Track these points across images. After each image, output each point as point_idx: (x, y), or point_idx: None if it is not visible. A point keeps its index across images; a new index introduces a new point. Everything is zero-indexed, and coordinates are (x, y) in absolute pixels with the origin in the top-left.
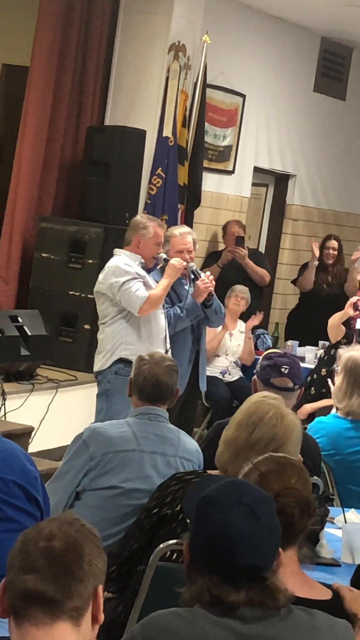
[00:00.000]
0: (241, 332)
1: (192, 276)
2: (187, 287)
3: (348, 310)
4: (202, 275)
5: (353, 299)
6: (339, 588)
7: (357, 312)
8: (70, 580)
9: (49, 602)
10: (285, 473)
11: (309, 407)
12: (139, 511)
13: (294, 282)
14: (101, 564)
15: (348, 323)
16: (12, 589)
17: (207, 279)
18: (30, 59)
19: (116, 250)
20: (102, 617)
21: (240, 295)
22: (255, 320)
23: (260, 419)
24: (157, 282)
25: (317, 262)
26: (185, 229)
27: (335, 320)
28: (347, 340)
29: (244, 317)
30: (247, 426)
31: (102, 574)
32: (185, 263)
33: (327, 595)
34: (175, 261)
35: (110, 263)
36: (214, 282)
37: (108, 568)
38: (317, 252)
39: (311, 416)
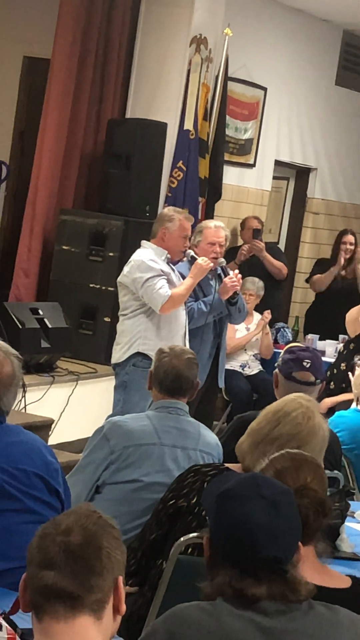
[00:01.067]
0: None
1: (220, 272)
2: (212, 283)
3: None
4: (230, 272)
5: None
6: None
7: None
8: (90, 574)
9: (69, 598)
10: (301, 471)
11: (328, 402)
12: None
13: (307, 280)
14: (120, 555)
15: None
16: (31, 585)
17: (235, 277)
18: (52, 52)
19: (143, 243)
20: (124, 607)
21: (248, 292)
22: (266, 318)
23: (286, 415)
24: (183, 276)
25: (338, 272)
26: (220, 223)
27: (353, 315)
28: None
29: (260, 309)
30: (272, 420)
31: (122, 565)
32: (212, 264)
33: (345, 583)
34: (202, 261)
35: (136, 256)
36: (241, 281)
37: (127, 562)
38: (342, 262)
39: (331, 411)
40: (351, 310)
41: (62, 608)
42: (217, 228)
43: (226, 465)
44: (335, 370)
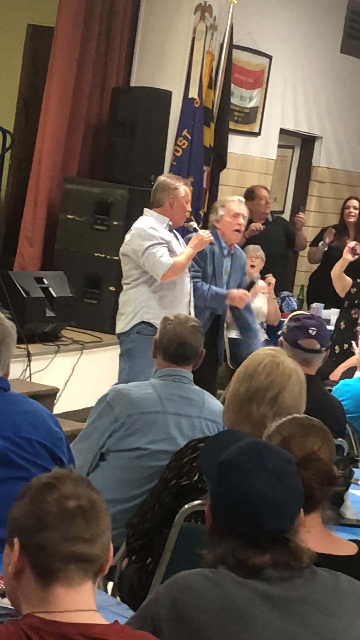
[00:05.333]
0: (263, 293)
1: (250, 281)
2: (224, 262)
3: (346, 256)
4: (260, 282)
5: (350, 244)
6: None
7: (357, 257)
8: (101, 537)
9: (86, 562)
10: (309, 437)
11: (340, 369)
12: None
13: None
14: (110, 519)
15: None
16: (53, 551)
17: (247, 294)
18: (56, 20)
19: (146, 210)
20: (107, 568)
21: (253, 255)
22: (270, 284)
23: (256, 369)
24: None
25: (327, 248)
26: (242, 198)
27: (336, 271)
28: (357, 289)
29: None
30: (244, 379)
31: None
32: (212, 237)
33: (352, 550)
34: (205, 234)
35: (137, 224)
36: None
37: (129, 538)
38: (329, 240)
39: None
40: (334, 267)
41: (77, 574)
42: (240, 202)
43: None
44: (335, 335)
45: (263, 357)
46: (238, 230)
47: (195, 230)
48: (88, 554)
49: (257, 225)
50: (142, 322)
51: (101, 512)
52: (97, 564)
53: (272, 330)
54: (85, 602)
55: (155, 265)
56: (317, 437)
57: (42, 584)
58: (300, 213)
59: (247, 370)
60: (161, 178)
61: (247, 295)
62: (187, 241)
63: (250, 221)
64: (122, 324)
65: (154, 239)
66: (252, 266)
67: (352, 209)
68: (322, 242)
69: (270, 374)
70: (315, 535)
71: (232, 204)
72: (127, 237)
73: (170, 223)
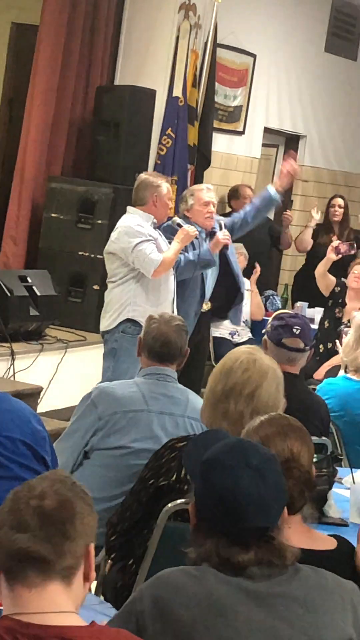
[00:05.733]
0: (247, 290)
1: (216, 229)
2: (206, 243)
3: (330, 256)
4: (224, 228)
5: (334, 243)
6: None
7: (340, 256)
8: (63, 539)
9: (41, 562)
10: (288, 438)
11: (324, 367)
12: None
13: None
14: (92, 522)
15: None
16: (3, 548)
17: (227, 235)
18: (40, 18)
19: (129, 209)
20: (93, 575)
21: (237, 251)
22: (256, 273)
23: (232, 367)
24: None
25: (315, 226)
26: (209, 185)
27: (320, 270)
28: (341, 289)
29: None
30: (221, 376)
31: (94, 532)
32: (197, 232)
33: (331, 545)
34: (190, 229)
35: (123, 222)
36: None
37: (108, 537)
38: (314, 216)
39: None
40: (318, 266)
41: (33, 573)
42: (208, 189)
43: None
44: (319, 334)
45: (239, 354)
46: (210, 218)
47: (179, 225)
48: (40, 554)
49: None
50: (128, 321)
51: (73, 516)
52: (58, 566)
53: (256, 327)
54: (55, 603)
55: (146, 262)
56: (296, 439)
57: (7, 584)
58: (287, 211)
59: (224, 368)
60: (142, 176)
61: (226, 234)
62: (163, 232)
63: None
64: (107, 322)
65: (141, 235)
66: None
67: (337, 208)
68: (310, 223)
69: (247, 370)
70: (295, 531)
71: (201, 193)
72: (114, 235)
73: (154, 221)
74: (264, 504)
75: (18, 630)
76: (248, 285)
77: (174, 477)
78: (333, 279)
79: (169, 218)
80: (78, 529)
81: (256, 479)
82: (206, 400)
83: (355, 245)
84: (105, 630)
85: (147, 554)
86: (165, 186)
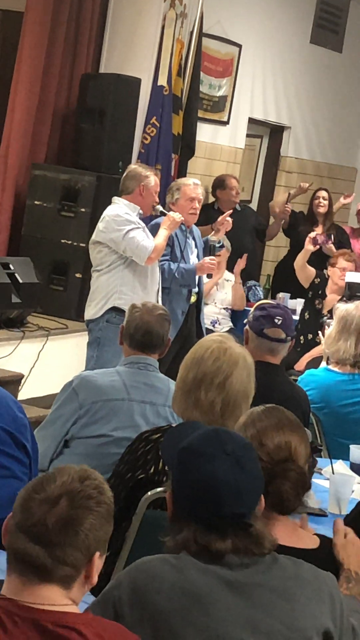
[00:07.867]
0: (227, 281)
1: (213, 247)
2: (189, 242)
3: (308, 247)
4: (220, 250)
5: (312, 234)
6: (336, 530)
7: (318, 247)
8: (64, 551)
9: (39, 567)
10: (283, 432)
11: (305, 359)
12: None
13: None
14: (103, 533)
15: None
16: (9, 541)
17: (214, 261)
18: (25, 5)
19: (115, 199)
20: (95, 579)
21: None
22: (241, 263)
23: (203, 355)
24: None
25: (284, 221)
26: (196, 180)
27: (299, 262)
28: (321, 280)
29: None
30: (192, 365)
31: (104, 542)
32: (182, 218)
33: (314, 544)
34: (176, 216)
35: (110, 212)
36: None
37: None
38: (282, 208)
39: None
40: (297, 258)
41: (31, 574)
42: (195, 185)
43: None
44: (299, 326)
45: (210, 343)
46: (194, 214)
47: (162, 213)
48: (39, 561)
49: (227, 225)
50: (113, 309)
51: (76, 534)
52: (56, 574)
53: (237, 318)
54: (48, 599)
55: (139, 249)
56: (294, 434)
57: (8, 567)
58: (288, 205)
59: (195, 357)
60: (132, 166)
61: (214, 261)
62: (150, 230)
63: (219, 210)
64: (93, 310)
65: (130, 223)
66: (218, 255)
67: (321, 200)
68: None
69: (218, 359)
70: (280, 528)
71: (188, 188)
72: (101, 225)
73: (140, 211)
74: (240, 491)
75: (16, 613)
76: (229, 276)
77: (152, 470)
78: (313, 270)
79: (153, 207)
80: (83, 541)
81: (232, 465)
82: (177, 389)
83: (332, 236)
84: (99, 619)
85: (126, 542)
86: (153, 179)
